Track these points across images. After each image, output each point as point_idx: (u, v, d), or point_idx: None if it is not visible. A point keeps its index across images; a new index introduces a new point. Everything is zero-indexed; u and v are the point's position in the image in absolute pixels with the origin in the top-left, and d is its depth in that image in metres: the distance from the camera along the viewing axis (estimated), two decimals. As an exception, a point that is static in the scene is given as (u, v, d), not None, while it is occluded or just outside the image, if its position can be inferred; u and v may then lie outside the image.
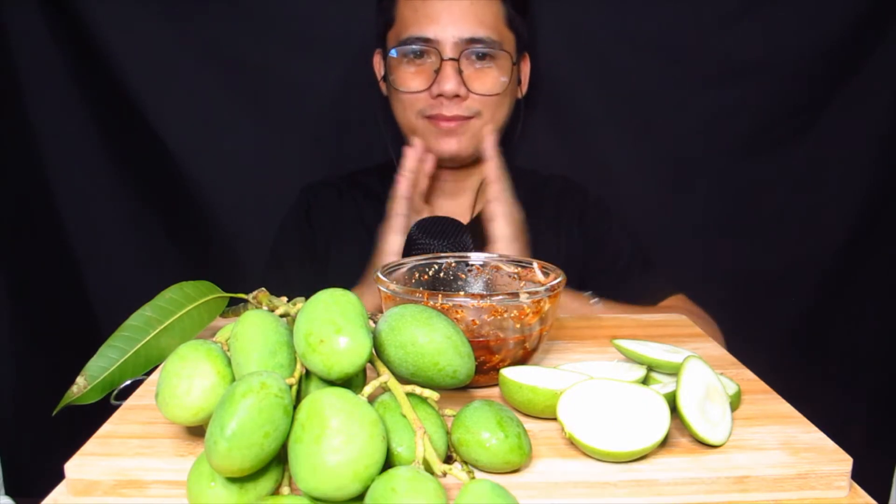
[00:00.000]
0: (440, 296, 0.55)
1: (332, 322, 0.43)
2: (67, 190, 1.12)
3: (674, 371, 0.56)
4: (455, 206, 1.05)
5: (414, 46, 0.95)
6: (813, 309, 1.21)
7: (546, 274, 0.65)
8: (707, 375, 0.52)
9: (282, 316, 0.51)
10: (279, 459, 0.42)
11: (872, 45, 1.11)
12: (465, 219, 1.03)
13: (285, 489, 0.43)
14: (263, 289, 0.58)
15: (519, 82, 1.05)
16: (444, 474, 0.41)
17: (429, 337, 0.48)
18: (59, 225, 1.13)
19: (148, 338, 0.55)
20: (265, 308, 0.55)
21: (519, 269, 0.67)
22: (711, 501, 0.46)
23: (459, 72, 0.94)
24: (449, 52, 0.93)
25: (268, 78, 1.13)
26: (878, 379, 1.23)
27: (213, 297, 0.60)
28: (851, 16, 1.10)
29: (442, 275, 0.69)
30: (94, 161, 1.12)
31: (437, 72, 0.94)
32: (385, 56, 1.01)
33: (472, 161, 1.02)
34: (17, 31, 1.06)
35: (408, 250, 0.82)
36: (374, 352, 0.47)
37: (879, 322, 1.21)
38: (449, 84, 0.93)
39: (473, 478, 0.40)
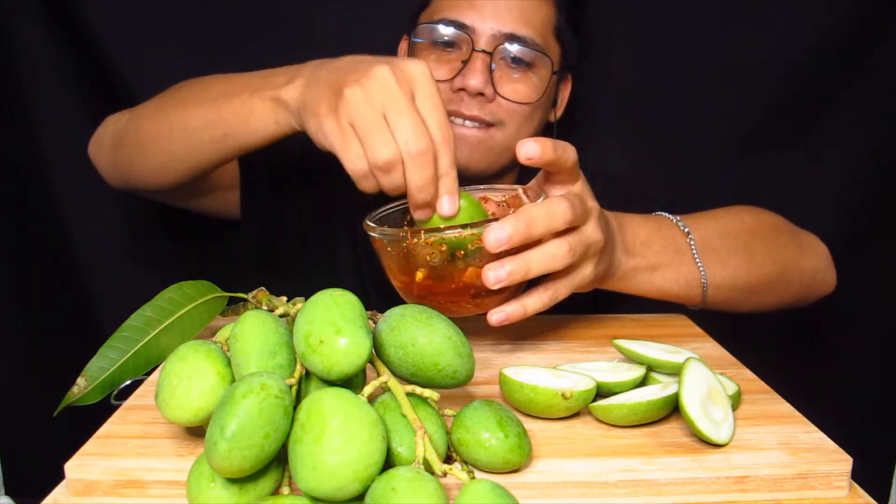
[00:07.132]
0: (422, 231, 0.56)
1: (331, 322, 0.43)
2: (68, 190, 1.12)
3: (674, 371, 0.56)
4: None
5: (445, 29, 0.82)
6: (812, 308, 1.21)
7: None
8: (707, 377, 0.52)
9: (281, 316, 0.51)
10: (279, 459, 0.42)
11: (872, 45, 1.11)
12: None
13: (285, 489, 0.43)
14: (263, 288, 0.58)
15: (555, 103, 0.92)
16: (445, 474, 0.41)
17: (428, 337, 0.48)
18: (59, 224, 1.13)
19: (148, 338, 0.55)
20: (265, 308, 0.55)
21: (507, 196, 0.68)
22: (711, 501, 0.46)
23: (490, 69, 0.81)
24: (483, 44, 0.81)
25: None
26: (878, 378, 1.23)
27: (213, 297, 0.60)
28: (851, 16, 1.10)
29: None
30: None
31: (465, 63, 0.81)
32: (410, 39, 0.88)
33: (482, 179, 0.86)
34: (17, 31, 1.06)
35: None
36: (373, 352, 0.48)
37: (879, 322, 1.21)
38: (475, 79, 0.80)
39: (473, 478, 0.40)
